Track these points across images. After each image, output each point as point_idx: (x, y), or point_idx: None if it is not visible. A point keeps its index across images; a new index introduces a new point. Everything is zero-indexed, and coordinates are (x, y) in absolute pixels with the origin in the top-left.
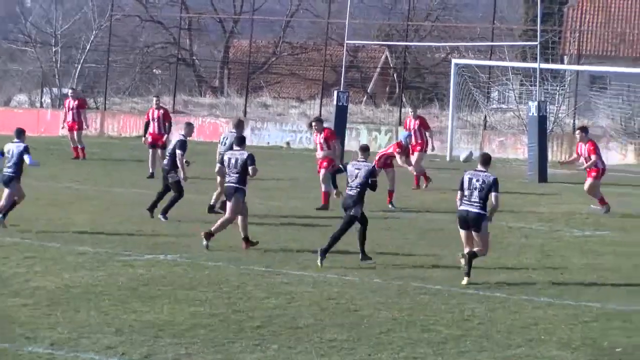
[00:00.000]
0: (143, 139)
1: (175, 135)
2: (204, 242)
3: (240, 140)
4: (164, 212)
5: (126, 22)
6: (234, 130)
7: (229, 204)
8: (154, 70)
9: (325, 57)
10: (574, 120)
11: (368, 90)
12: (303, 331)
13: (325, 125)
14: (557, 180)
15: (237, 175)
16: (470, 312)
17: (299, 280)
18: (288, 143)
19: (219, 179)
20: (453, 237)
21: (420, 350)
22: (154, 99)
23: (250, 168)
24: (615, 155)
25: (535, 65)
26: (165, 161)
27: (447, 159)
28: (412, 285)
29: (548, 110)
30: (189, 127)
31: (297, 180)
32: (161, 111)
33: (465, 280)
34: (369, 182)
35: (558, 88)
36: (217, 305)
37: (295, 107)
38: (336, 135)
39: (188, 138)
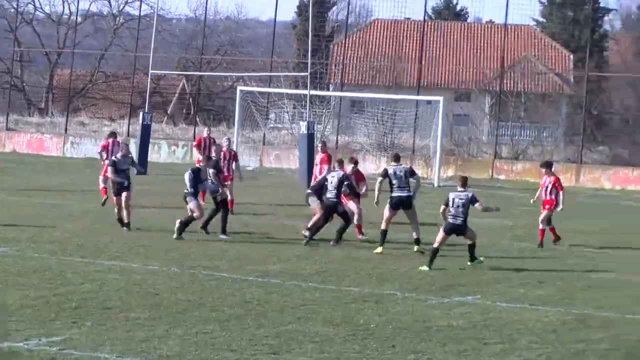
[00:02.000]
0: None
1: None
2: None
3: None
4: (223, 231)
5: None
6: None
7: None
8: None
9: (133, 84)
10: (337, 137)
11: (168, 112)
12: (112, 311)
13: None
14: None
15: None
16: (250, 296)
17: (109, 269)
18: (101, 155)
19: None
20: (236, 233)
21: (209, 327)
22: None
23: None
24: (371, 166)
25: (305, 91)
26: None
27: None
28: (202, 273)
29: (316, 129)
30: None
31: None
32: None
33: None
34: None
35: (324, 111)
36: (41, 289)
37: (107, 126)
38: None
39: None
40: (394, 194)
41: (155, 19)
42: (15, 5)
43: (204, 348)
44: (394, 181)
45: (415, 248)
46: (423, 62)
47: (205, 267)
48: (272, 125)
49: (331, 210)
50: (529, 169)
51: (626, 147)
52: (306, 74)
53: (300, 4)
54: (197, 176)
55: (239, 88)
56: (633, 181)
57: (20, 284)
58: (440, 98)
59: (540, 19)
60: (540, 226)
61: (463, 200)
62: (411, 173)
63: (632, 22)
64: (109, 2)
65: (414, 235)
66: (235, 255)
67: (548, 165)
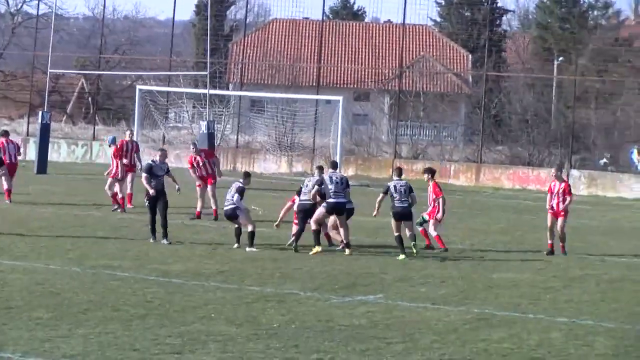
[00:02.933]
0: None
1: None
2: None
3: None
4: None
5: None
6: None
7: None
8: None
9: (32, 83)
10: (237, 137)
11: (67, 111)
12: (15, 311)
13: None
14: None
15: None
16: (152, 295)
17: (11, 269)
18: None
19: None
20: (139, 231)
21: (111, 326)
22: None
23: None
24: (271, 165)
25: (205, 91)
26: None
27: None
28: (104, 273)
29: (216, 128)
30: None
31: None
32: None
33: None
34: None
35: (224, 110)
36: None
37: (6, 125)
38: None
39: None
40: (330, 200)
41: (53, 18)
42: None
43: (107, 348)
44: (331, 186)
45: (347, 252)
46: (322, 62)
47: (106, 267)
48: (172, 124)
49: (307, 213)
50: None
51: (525, 147)
52: (205, 73)
53: (198, 3)
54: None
55: (138, 87)
56: (532, 180)
57: None
58: (340, 98)
59: (438, 19)
60: (435, 233)
61: (404, 187)
62: (347, 183)
63: (529, 21)
64: (7, 1)
65: (344, 239)
66: (136, 255)
67: (430, 171)
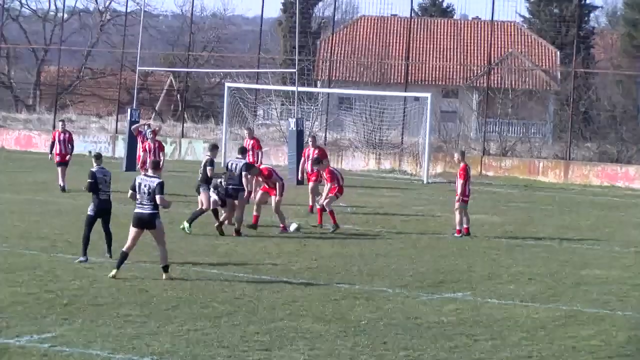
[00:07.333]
0: (50, 156)
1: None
2: None
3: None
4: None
5: None
6: (239, 156)
7: None
8: None
9: (120, 80)
10: (325, 134)
11: (156, 108)
12: (103, 308)
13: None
14: None
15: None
16: (240, 292)
17: (99, 266)
18: (90, 152)
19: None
20: (227, 229)
21: (200, 324)
22: (60, 122)
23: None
24: (359, 162)
25: (293, 88)
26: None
27: (222, 165)
28: (193, 270)
29: (304, 125)
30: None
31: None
32: (67, 134)
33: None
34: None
35: (312, 107)
36: (32, 286)
37: (95, 122)
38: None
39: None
40: (135, 210)
41: (142, 15)
42: (0, 2)
43: (195, 345)
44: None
45: (164, 276)
46: (410, 59)
47: (195, 264)
48: (260, 121)
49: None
50: (517, 166)
51: (614, 144)
52: (294, 70)
53: (285, 1)
54: None
55: (226, 84)
56: (621, 177)
57: (11, 281)
58: (428, 95)
59: (527, 16)
60: (318, 205)
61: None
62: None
63: (617, 18)
64: None
65: (162, 263)
66: (224, 252)
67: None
